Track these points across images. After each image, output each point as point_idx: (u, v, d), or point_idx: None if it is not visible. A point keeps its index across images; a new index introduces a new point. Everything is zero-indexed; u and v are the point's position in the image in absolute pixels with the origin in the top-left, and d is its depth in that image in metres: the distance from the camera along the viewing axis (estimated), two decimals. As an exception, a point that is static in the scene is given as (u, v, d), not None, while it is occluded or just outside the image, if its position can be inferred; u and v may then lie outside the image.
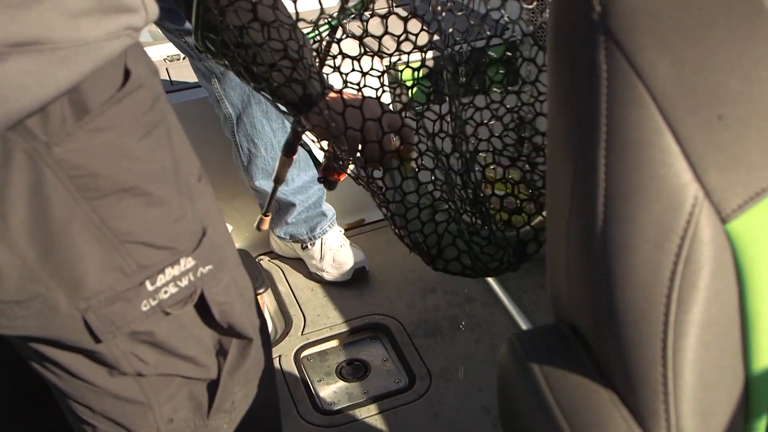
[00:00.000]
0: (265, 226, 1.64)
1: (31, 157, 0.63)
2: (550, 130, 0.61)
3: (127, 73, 0.69)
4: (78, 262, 0.69)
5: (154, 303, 0.75)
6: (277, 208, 1.96)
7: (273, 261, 2.10)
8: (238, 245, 2.14)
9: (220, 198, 2.09)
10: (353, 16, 1.01)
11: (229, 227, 2.14)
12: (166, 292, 0.75)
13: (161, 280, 0.74)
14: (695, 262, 0.54)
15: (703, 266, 0.54)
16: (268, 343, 0.97)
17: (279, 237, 2.03)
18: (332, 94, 0.99)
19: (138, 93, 0.69)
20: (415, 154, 1.05)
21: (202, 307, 0.81)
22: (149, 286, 0.73)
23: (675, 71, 0.52)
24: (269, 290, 1.98)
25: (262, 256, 2.12)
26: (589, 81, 0.54)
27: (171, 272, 0.75)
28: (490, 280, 1.93)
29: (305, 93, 0.97)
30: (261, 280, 1.81)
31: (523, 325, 1.76)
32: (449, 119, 1.04)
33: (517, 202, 1.04)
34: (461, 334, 1.79)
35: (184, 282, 0.77)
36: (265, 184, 1.88)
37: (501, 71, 1.08)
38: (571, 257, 0.59)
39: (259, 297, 1.81)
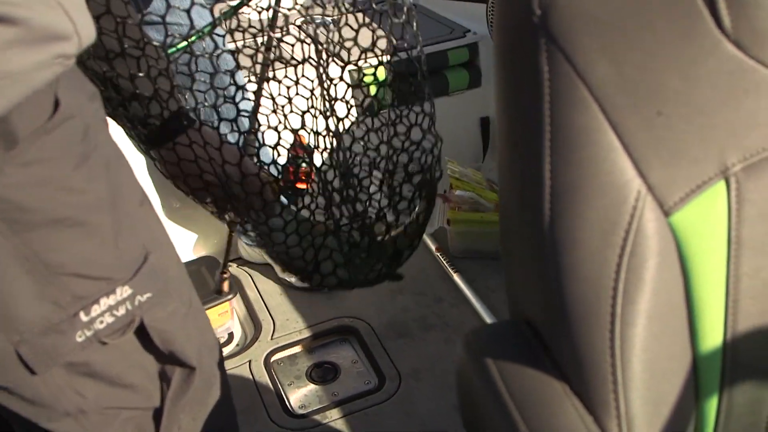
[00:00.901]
0: (226, 288, 1.65)
1: None
2: (499, 130, 0.62)
3: (57, 103, 0.68)
4: (8, 295, 0.68)
5: (89, 333, 0.73)
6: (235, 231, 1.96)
7: (242, 267, 2.10)
8: (206, 252, 2.13)
9: (190, 205, 2.08)
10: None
11: (195, 236, 2.14)
12: (101, 322, 0.74)
13: (96, 310, 0.73)
14: (640, 254, 0.55)
15: (648, 258, 0.56)
16: (221, 363, 0.95)
17: (247, 243, 2.03)
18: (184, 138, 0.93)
19: (68, 123, 0.69)
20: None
21: (143, 334, 0.79)
22: (83, 317, 0.72)
23: (615, 71, 0.54)
24: (238, 296, 1.98)
25: (230, 263, 2.12)
26: (532, 83, 0.55)
27: (106, 302, 0.74)
28: (458, 279, 1.94)
29: (168, 117, 0.92)
30: (229, 286, 1.81)
31: (491, 323, 1.78)
32: (326, 133, 1.04)
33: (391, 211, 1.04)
34: (430, 335, 1.80)
35: (121, 311, 0.75)
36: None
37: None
38: (523, 253, 0.61)
39: (227, 303, 1.81)
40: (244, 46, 1.02)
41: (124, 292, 0.75)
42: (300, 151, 1.04)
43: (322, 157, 1.06)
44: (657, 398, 0.58)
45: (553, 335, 0.58)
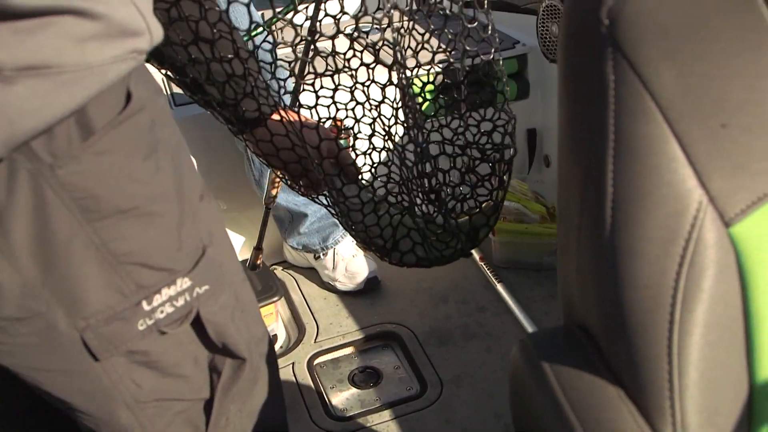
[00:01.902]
0: (261, 263, 1.67)
1: (34, 178, 0.65)
2: (560, 138, 0.63)
3: (128, 96, 0.70)
4: (78, 282, 0.70)
5: (150, 322, 0.76)
6: (290, 219, 1.99)
7: (287, 270, 2.13)
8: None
9: (235, 208, 2.12)
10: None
11: (242, 238, 2.17)
12: (162, 312, 0.76)
13: (157, 300, 0.75)
14: (699, 264, 0.56)
15: (707, 268, 0.56)
16: (272, 355, 0.97)
17: (292, 247, 2.06)
18: (275, 116, 1.00)
19: (139, 115, 0.71)
20: (355, 160, 1.06)
21: (198, 326, 0.81)
22: (146, 306, 0.75)
23: (680, 82, 0.54)
24: (283, 299, 2.00)
25: (276, 266, 2.15)
26: (597, 91, 0.56)
27: (167, 292, 0.76)
28: (500, 289, 1.95)
29: (252, 107, 0.98)
30: (275, 288, 1.84)
31: (534, 334, 1.77)
32: (405, 109, 1.06)
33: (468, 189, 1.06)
34: (472, 343, 1.80)
35: (180, 302, 0.78)
36: (277, 197, 1.91)
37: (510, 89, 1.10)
38: (581, 260, 0.62)
39: (272, 305, 1.83)
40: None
41: (184, 283, 0.77)
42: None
43: (395, 139, 1.09)
44: (712, 408, 0.58)
45: (610, 341, 0.59)
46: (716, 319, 0.57)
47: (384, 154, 1.11)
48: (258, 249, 1.63)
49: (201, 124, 1.99)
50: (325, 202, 1.08)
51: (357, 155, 1.11)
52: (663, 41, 0.54)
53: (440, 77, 1.07)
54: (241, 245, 2.18)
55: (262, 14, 1.86)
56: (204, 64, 0.93)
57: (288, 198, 1.92)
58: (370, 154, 1.13)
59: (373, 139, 1.12)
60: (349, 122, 1.13)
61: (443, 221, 1.03)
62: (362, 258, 2.02)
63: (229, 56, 0.92)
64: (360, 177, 1.06)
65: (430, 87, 1.14)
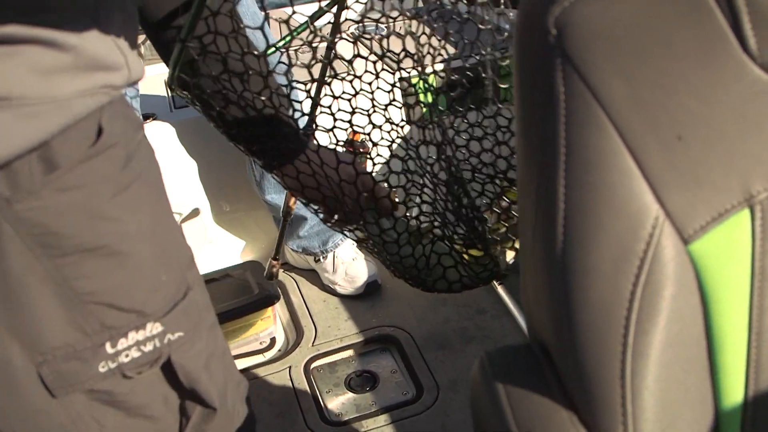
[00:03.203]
0: (277, 272, 1.60)
1: None
2: (517, 150, 0.61)
3: (99, 131, 0.67)
4: (35, 317, 0.67)
5: (112, 365, 0.72)
6: (289, 221, 1.98)
7: (287, 272, 2.12)
8: (252, 257, 2.16)
9: (238, 209, 2.11)
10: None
11: (243, 240, 2.17)
12: (127, 356, 0.72)
13: (123, 343, 0.72)
14: (655, 283, 0.53)
15: (664, 287, 0.54)
16: (248, 399, 0.93)
17: (292, 249, 2.04)
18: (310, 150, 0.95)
19: (110, 151, 0.68)
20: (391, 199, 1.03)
21: (169, 369, 0.78)
22: (109, 349, 0.71)
23: (631, 92, 0.52)
24: (282, 301, 1.99)
25: (276, 267, 2.14)
26: (547, 102, 0.54)
27: (134, 336, 0.72)
28: (501, 291, 1.92)
29: (285, 142, 0.95)
30: (274, 291, 1.83)
31: (534, 338, 1.75)
32: (436, 131, 1.03)
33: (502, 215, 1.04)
34: (470, 347, 1.78)
35: (149, 347, 0.74)
36: (277, 198, 1.90)
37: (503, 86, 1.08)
38: (536, 276, 0.59)
39: (271, 309, 1.82)
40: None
41: (154, 328, 0.74)
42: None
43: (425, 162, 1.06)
44: (669, 431, 0.56)
45: (563, 362, 0.57)
46: (674, 339, 0.54)
47: (414, 177, 1.08)
48: (275, 259, 1.61)
49: (202, 127, 1.98)
50: (355, 236, 1.05)
51: (388, 182, 1.06)
52: (612, 51, 0.52)
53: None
54: (241, 247, 2.18)
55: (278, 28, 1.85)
56: (241, 101, 0.90)
57: (287, 200, 1.91)
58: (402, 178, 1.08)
59: (396, 161, 1.08)
60: (370, 142, 1.10)
61: (483, 243, 1.01)
62: (362, 261, 2.00)
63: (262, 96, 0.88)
64: (394, 209, 1.03)
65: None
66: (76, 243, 0.67)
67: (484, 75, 1.03)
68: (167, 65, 0.89)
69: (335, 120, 1.04)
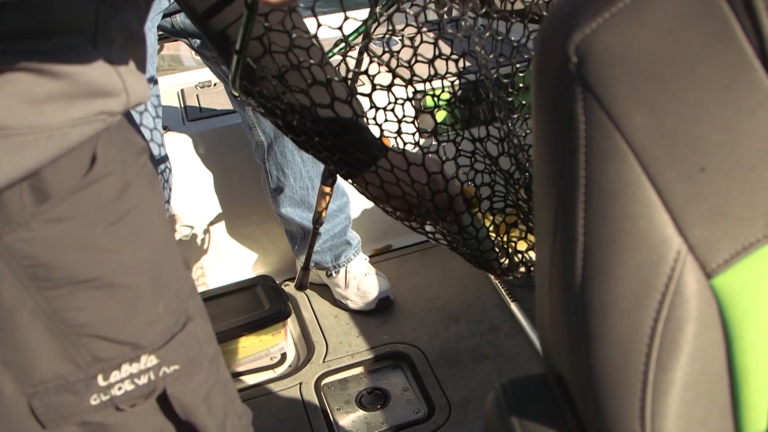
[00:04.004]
0: (307, 282, 1.55)
1: None
2: (534, 177, 0.60)
3: (93, 159, 0.65)
4: (26, 348, 0.66)
5: (105, 398, 0.70)
6: (302, 235, 1.97)
7: (298, 287, 2.11)
8: (264, 271, 2.15)
9: (250, 222, 2.11)
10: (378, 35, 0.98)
11: (255, 254, 2.16)
12: (120, 389, 0.70)
13: (115, 376, 0.69)
14: (677, 319, 0.52)
15: (686, 323, 0.52)
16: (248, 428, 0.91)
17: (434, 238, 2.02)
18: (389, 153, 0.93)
19: (105, 180, 0.65)
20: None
21: (164, 401, 0.75)
22: (101, 381, 0.69)
23: (653, 123, 0.51)
24: (293, 316, 1.98)
25: (287, 282, 2.13)
26: (567, 131, 0.53)
27: (128, 369, 0.70)
28: (514, 308, 1.90)
29: (360, 151, 0.93)
30: (285, 306, 1.81)
31: (547, 357, 1.72)
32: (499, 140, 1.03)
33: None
34: (483, 365, 1.76)
35: (143, 380, 0.71)
36: (291, 212, 1.89)
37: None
38: (553, 307, 0.58)
39: (282, 324, 1.81)
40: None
41: (149, 361, 0.71)
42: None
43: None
44: (693, 472, 0.54)
45: (582, 397, 0.55)
46: (696, 376, 0.53)
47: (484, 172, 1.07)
48: (306, 269, 1.56)
49: (215, 139, 1.98)
50: (434, 237, 1.04)
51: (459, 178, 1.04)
52: (635, 79, 0.50)
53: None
54: (252, 261, 2.17)
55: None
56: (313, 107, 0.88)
57: (302, 214, 1.90)
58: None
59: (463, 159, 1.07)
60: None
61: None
62: (374, 277, 1.99)
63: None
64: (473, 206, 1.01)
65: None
66: (67, 275, 0.65)
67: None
68: (221, 58, 0.89)
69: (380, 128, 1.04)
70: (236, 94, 0.91)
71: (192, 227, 1.99)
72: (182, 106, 2.09)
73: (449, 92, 1.06)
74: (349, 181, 0.98)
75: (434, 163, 0.94)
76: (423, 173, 0.92)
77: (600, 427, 0.54)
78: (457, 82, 1.02)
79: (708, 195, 0.52)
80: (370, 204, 2.17)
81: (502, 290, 1.97)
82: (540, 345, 0.64)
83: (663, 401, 0.52)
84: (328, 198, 1.32)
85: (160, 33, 1.74)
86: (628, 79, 0.50)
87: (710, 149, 0.51)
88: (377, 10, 0.91)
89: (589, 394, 0.54)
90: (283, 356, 1.86)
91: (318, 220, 1.36)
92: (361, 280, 1.97)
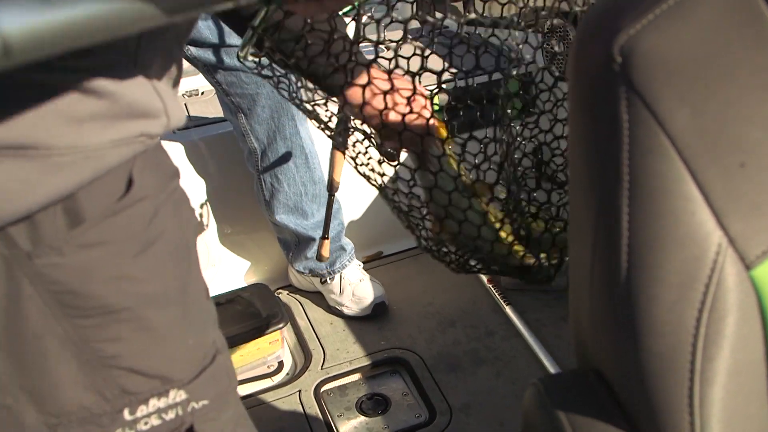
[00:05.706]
0: (326, 251, 1.82)
1: (9, 266, 0.58)
2: (571, 178, 0.61)
3: (130, 182, 0.63)
4: (51, 378, 0.63)
5: None
6: (296, 242, 1.97)
7: (292, 295, 2.11)
8: (257, 279, 2.15)
9: (241, 231, 2.10)
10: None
11: (248, 263, 2.15)
12: (146, 424, 0.68)
13: (142, 411, 0.67)
14: (720, 309, 0.53)
15: (728, 314, 0.54)
16: None
17: (298, 271, 2.03)
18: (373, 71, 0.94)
19: (139, 205, 0.63)
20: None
21: None
22: (127, 415, 0.67)
23: (695, 122, 0.52)
24: (288, 324, 1.98)
25: (280, 290, 2.13)
26: (610, 130, 0.54)
27: (156, 404, 0.68)
28: (509, 312, 1.92)
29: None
30: (281, 314, 1.81)
31: (544, 359, 1.74)
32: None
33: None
34: (482, 369, 1.78)
35: (170, 415, 0.69)
36: (286, 219, 1.89)
37: (516, 107, 1.09)
38: (594, 304, 0.59)
39: (278, 331, 1.81)
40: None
41: (178, 396, 0.69)
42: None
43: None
44: (735, 459, 0.56)
45: (627, 389, 0.57)
46: (738, 366, 0.54)
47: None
48: (324, 238, 1.83)
49: (206, 147, 1.98)
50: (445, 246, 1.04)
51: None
52: (678, 80, 0.52)
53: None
54: (245, 270, 2.16)
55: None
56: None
57: (296, 221, 1.90)
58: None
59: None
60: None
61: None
62: (369, 282, 1.99)
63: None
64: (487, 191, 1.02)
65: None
66: (97, 304, 0.63)
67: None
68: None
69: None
70: (242, 56, 0.94)
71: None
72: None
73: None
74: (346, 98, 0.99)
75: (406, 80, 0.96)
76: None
77: (647, 417, 0.55)
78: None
79: (747, 190, 0.53)
80: (360, 212, 2.18)
81: (496, 294, 1.98)
82: (574, 342, 0.66)
83: (710, 390, 0.53)
84: (340, 164, 1.58)
85: None
86: (671, 79, 0.52)
87: (750, 146, 0.53)
88: None
89: (636, 387, 0.55)
90: (280, 364, 1.86)
91: (333, 185, 1.62)
92: (356, 286, 1.98)
